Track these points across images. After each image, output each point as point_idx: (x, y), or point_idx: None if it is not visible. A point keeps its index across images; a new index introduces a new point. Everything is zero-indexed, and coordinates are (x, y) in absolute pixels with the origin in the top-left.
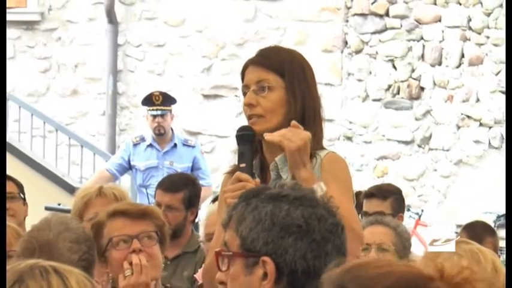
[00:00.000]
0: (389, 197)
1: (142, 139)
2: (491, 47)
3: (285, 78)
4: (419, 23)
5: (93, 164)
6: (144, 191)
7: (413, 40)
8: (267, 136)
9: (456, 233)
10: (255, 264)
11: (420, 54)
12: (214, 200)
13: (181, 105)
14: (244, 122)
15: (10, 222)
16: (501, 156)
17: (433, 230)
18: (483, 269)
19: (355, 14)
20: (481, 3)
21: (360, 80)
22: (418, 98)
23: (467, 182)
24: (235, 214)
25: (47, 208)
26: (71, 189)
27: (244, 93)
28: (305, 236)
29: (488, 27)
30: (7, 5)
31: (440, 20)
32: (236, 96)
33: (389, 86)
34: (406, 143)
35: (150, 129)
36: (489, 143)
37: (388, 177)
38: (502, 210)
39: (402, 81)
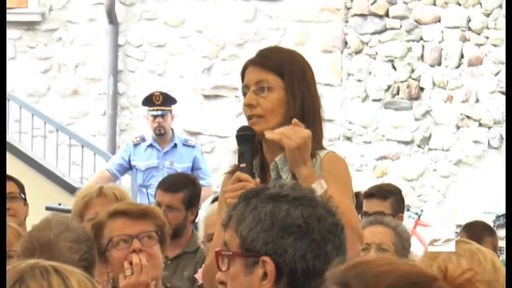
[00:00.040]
0: (390, 197)
1: (143, 139)
2: (491, 48)
3: (284, 79)
4: (419, 24)
5: (93, 164)
6: (144, 191)
7: (413, 40)
8: (267, 134)
9: (456, 233)
10: (255, 264)
11: (420, 54)
12: (215, 200)
13: (181, 105)
14: (245, 122)
15: (11, 222)
16: (500, 157)
17: (433, 230)
18: (482, 268)
19: (355, 15)
20: (481, 4)
21: (359, 81)
22: (417, 98)
23: (467, 182)
24: (235, 214)
25: (47, 208)
26: (71, 189)
27: (244, 94)
28: (305, 236)
29: (488, 28)
30: (8, 6)
31: (439, 21)
32: (236, 96)
33: (389, 87)
34: (406, 143)
35: (150, 130)
36: (488, 143)
37: (387, 177)
38: (502, 210)
39: (402, 82)
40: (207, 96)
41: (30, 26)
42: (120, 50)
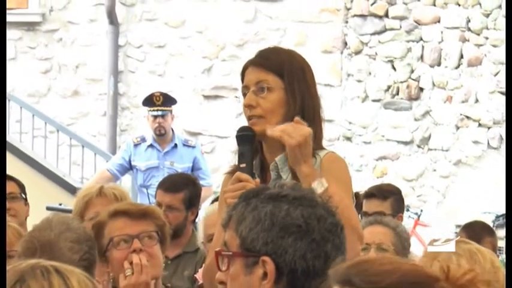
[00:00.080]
0: (390, 197)
1: (143, 139)
2: (490, 48)
3: (284, 79)
4: (419, 24)
5: (94, 164)
6: (144, 191)
7: (413, 41)
8: (269, 131)
9: (455, 233)
10: (255, 264)
11: (419, 55)
12: (215, 200)
13: (181, 105)
14: (245, 122)
15: (11, 222)
16: (500, 157)
17: (433, 230)
18: (482, 268)
19: (355, 15)
20: (480, 4)
21: (359, 81)
22: (417, 98)
23: (466, 182)
24: (235, 214)
25: (48, 208)
26: (72, 190)
27: (244, 94)
28: (305, 236)
29: (487, 28)
30: (8, 6)
31: (439, 21)
32: (236, 97)
33: (389, 87)
34: (406, 143)
35: (150, 130)
36: (488, 143)
37: (387, 177)
38: (501, 210)
39: (401, 82)
40: (207, 97)
41: (30, 26)
42: (120, 51)
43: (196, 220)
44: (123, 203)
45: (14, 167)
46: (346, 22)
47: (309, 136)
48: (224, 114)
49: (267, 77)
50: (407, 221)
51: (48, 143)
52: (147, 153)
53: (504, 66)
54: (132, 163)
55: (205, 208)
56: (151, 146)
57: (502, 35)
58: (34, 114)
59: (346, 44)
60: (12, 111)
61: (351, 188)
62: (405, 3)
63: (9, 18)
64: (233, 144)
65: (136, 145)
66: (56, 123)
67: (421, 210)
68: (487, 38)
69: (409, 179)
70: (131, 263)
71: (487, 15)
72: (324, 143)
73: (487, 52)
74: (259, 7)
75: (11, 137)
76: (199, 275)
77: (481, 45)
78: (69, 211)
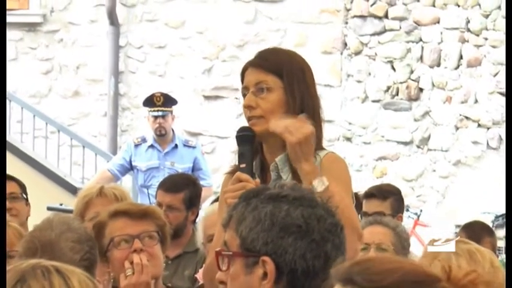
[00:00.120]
0: (389, 197)
1: (144, 140)
2: (490, 49)
3: (283, 79)
4: (418, 25)
5: (94, 165)
6: (145, 191)
7: (412, 42)
8: (272, 125)
9: (455, 233)
10: (255, 264)
11: (419, 55)
12: (215, 201)
13: (182, 106)
14: (245, 122)
15: (12, 222)
16: (499, 157)
17: (432, 230)
18: (482, 268)
19: (355, 16)
20: (479, 5)
21: (359, 81)
22: (417, 99)
23: (466, 182)
24: (236, 214)
25: (49, 208)
26: (72, 190)
27: (244, 95)
28: (304, 236)
29: (487, 29)
30: (9, 7)
31: (438, 22)
32: (236, 98)
33: (389, 87)
34: (405, 143)
35: (151, 130)
36: (487, 143)
37: (387, 177)
38: (500, 210)
39: (401, 83)
40: (207, 97)
41: (31, 27)
42: (121, 51)
43: (197, 220)
44: (123, 203)
45: (15, 167)
46: (346, 23)
47: (311, 135)
48: (224, 114)
49: (266, 78)
50: (407, 221)
51: (49, 143)
52: (147, 154)
53: (503, 66)
54: (133, 163)
55: (205, 208)
56: (151, 146)
57: (502, 35)
58: (35, 114)
59: (346, 44)
60: (13, 111)
61: (350, 188)
62: (405, 4)
63: (10, 19)
64: (233, 145)
65: (137, 145)
66: (56, 123)
67: (421, 211)
68: (486, 39)
69: (409, 179)
70: (132, 263)
71: (487, 16)
72: (324, 143)
73: (486, 53)
74: (260, 8)
75: (12, 137)
76: (199, 275)
77: (480, 46)
78: (70, 211)
